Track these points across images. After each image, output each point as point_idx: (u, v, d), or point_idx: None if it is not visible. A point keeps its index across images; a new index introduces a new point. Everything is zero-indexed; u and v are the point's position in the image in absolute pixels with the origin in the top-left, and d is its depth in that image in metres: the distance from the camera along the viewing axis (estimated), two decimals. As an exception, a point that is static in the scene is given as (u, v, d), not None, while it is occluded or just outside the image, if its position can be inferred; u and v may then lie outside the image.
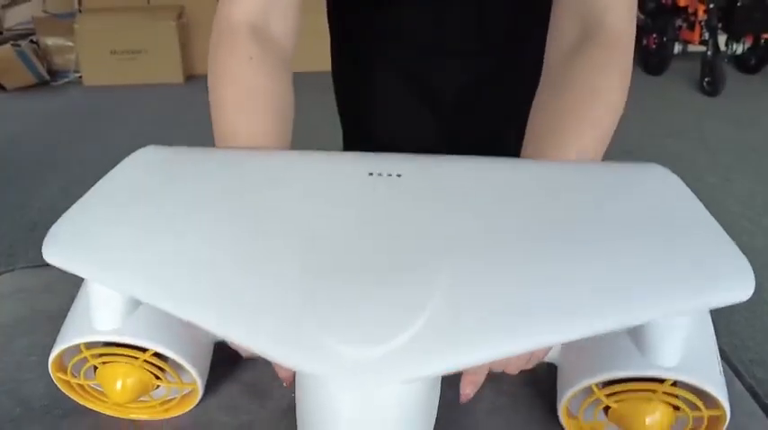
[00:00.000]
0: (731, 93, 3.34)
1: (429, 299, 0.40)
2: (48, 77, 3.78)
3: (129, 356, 0.48)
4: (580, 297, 0.40)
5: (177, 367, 0.50)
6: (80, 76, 3.81)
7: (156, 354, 0.48)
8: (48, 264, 0.44)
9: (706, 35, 3.36)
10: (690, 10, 3.49)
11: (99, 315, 0.47)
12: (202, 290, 0.41)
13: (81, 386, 0.51)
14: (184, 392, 0.51)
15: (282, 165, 0.56)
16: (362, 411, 0.39)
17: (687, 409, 0.45)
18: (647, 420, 0.45)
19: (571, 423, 0.49)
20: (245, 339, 0.39)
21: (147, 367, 0.48)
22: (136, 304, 0.48)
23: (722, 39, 3.43)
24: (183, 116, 3.11)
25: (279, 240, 0.45)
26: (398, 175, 0.53)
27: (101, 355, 0.48)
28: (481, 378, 0.49)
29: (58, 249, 0.45)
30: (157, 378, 0.49)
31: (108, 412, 0.52)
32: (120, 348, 0.48)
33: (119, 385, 0.49)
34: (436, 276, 0.42)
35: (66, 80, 3.83)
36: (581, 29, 0.61)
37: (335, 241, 0.45)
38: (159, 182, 0.53)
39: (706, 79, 3.36)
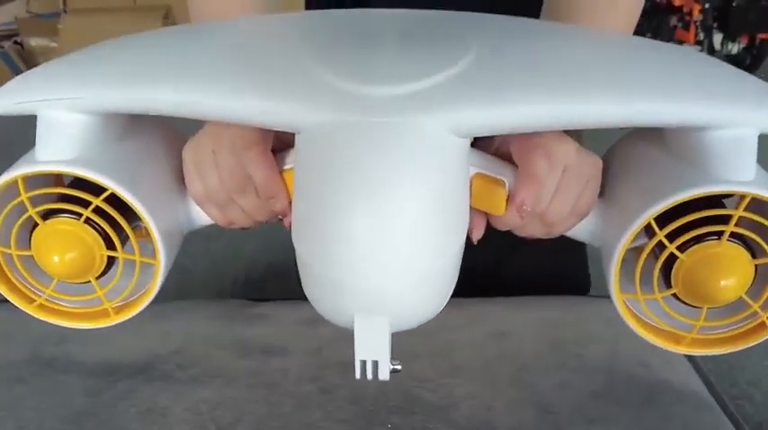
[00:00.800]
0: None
1: (458, 53, 0.37)
2: (32, 79, 3.71)
3: (79, 202, 0.38)
4: (618, 72, 0.38)
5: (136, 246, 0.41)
6: (65, 78, 3.74)
7: (116, 208, 0.39)
8: None
9: (701, 35, 3.33)
10: (685, 10, 3.46)
11: (49, 142, 0.38)
12: (179, 64, 0.38)
13: (9, 257, 0.41)
14: (137, 294, 0.42)
15: (279, 18, 0.51)
16: (388, 166, 0.33)
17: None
18: (722, 277, 0.37)
19: (625, 298, 0.41)
20: (232, 98, 0.35)
21: (98, 221, 0.38)
22: (101, 141, 0.40)
23: (717, 38, 3.41)
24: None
25: (278, 37, 0.43)
26: (412, 13, 0.49)
27: (43, 206, 0.39)
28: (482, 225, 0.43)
29: (11, 90, 0.39)
30: (109, 248, 0.39)
31: (33, 312, 0.42)
32: (71, 189, 0.38)
33: (58, 249, 0.38)
34: (460, 43, 0.39)
35: (51, 82, 3.76)
36: None
37: (347, 26, 0.44)
38: (145, 38, 0.46)
39: (701, 79, 3.32)
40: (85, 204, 0.39)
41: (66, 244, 0.39)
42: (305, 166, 0.36)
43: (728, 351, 0.41)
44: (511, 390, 0.65)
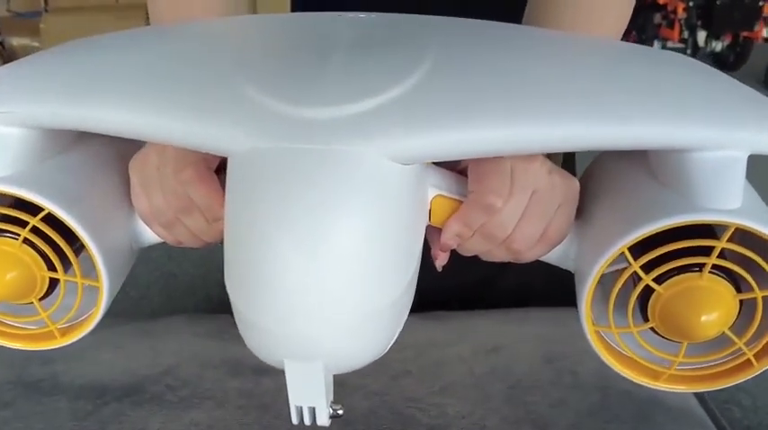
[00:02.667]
0: (711, 91, 3.32)
1: (407, 69, 0.33)
2: (13, 79, 3.67)
3: (17, 222, 0.36)
4: (590, 92, 0.34)
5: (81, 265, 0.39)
6: (47, 78, 3.71)
7: (55, 228, 0.37)
8: None
9: (685, 33, 3.35)
10: (669, 8, 3.48)
11: None
12: (106, 83, 0.35)
13: None
14: (84, 315, 0.40)
15: (236, 19, 0.49)
16: (323, 197, 0.30)
17: (754, 284, 0.34)
18: (702, 312, 0.33)
19: (599, 337, 0.38)
20: (157, 121, 0.32)
21: (37, 243, 0.37)
22: (39, 156, 0.38)
23: (701, 36, 3.42)
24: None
25: (215, 49, 0.39)
26: (373, 16, 0.46)
27: None
28: (452, 240, 0.40)
29: None
30: (50, 269, 0.38)
31: None
32: (7, 209, 0.37)
33: None
34: (416, 53, 0.35)
35: (33, 82, 3.72)
36: None
37: (294, 35, 0.40)
38: (88, 46, 0.44)
39: (686, 78, 3.34)
40: (24, 224, 0.37)
41: (4, 265, 0.37)
42: (232, 196, 0.34)
43: (710, 388, 0.38)
44: (504, 408, 0.64)
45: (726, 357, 0.37)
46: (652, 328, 0.37)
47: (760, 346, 0.36)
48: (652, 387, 0.39)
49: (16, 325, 0.42)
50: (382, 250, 0.32)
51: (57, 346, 0.41)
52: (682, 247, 0.34)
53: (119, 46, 0.43)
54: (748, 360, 0.37)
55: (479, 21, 0.44)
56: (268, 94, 0.32)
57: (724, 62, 3.64)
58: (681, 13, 3.40)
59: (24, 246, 0.38)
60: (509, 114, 0.32)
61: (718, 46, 3.53)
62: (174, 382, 0.67)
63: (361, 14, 0.45)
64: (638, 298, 0.36)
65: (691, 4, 3.34)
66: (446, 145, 0.32)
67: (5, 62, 3.00)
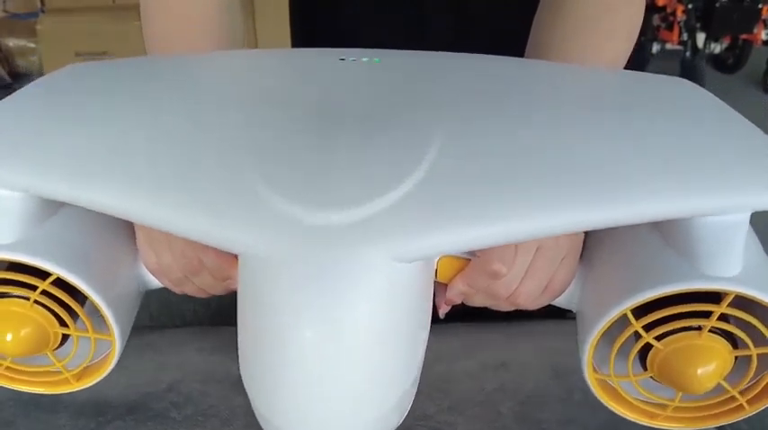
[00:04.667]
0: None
1: (417, 160, 0.32)
2: (10, 80, 3.65)
3: (25, 286, 0.37)
4: (600, 170, 0.33)
5: (90, 317, 0.39)
6: (44, 79, 3.69)
7: (64, 290, 0.37)
8: None
9: (684, 35, 3.34)
10: (668, 10, 3.47)
11: None
12: (114, 163, 0.34)
13: None
14: (97, 358, 0.41)
15: (231, 58, 0.48)
16: (329, 302, 0.30)
17: (750, 342, 0.35)
18: (699, 367, 0.35)
19: (598, 378, 0.39)
20: (166, 215, 0.31)
21: (47, 303, 0.37)
22: (42, 216, 0.37)
23: (700, 38, 3.42)
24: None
25: (222, 116, 0.37)
26: (374, 60, 0.45)
27: None
28: (458, 296, 0.41)
29: None
30: (62, 325, 0.38)
31: None
32: (16, 274, 0.37)
33: (9, 331, 0.37)
34: (425, 139, 0.34)
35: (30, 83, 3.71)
36: None
37: (296, 112, 0.37)
38: (85, 86, 0.44)
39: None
40: (34, 285, 0.37)
41: (17, 325, 0.38)
42: (243, 295, 0.33)
43: (704, 427, 0.40)
44: (515, 426, 0.63)
45: (720, 401, 0.39)
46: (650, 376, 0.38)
47: (753, 394, 0.38)
48: (647, 425, 0.40)
49: (29, 369, 0.43)
50: (396, 345, 0.32)
51: (73, 390, 0.42)
52: (682, 310, 0.35)
53: (118, 104, 0.41)
54: (741, 405, 0.38)
55: (483, 67, 0.44)
56: (278, 193, 0.31)
57: (723, 64, 3.64)
58: (680, 15, 3.39)
59: (35, 306, 0.38)
60: (516, 207, 0.31)
61: (716, 48, 3.53)
62: (178, 399, 0.66)
63: (364, 59, 0.44)
64: (638, 350, 0.37)
65: (690, 6, 3.33)
66: (453, 243, 0.31)
67: (2, 64, 2.98)
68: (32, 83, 0.45)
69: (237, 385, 0.68)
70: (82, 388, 0.42)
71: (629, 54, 0.52)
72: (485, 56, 0.48)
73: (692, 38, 3.31)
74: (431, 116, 0.37)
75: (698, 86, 0.46)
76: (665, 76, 0.48)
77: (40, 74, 3.68)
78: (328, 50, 0.48)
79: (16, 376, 0.42)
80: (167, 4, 0.54)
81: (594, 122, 0.38)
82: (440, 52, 0.48)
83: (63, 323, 0.39)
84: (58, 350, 0.41)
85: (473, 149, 0.34)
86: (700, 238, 0.34)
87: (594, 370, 0.39)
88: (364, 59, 0.45)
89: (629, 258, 0.38)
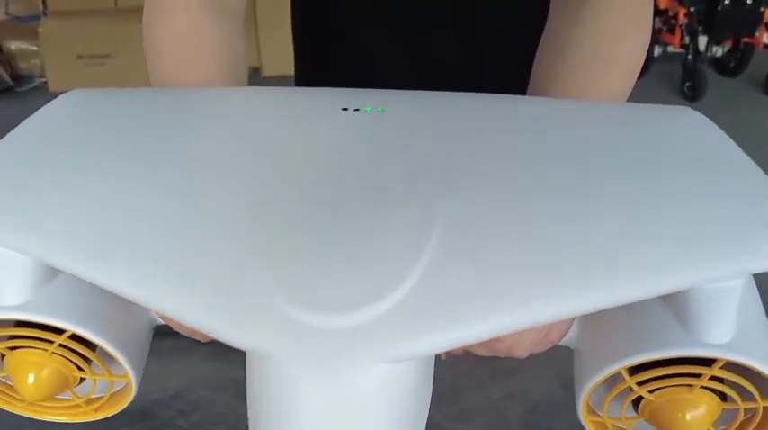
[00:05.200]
0: (712, 97, 3.31)
1: (415, 256, 0.32)
2: (12, 83, 3.65)
3: (41, 340, 0.38)
4: (598, 257, 0.33)
5: (105, 357, 0.40)
6: (46, 82, 3.69)
7: (77, 339, 0.38)
8: None
9: (686, 39, 3.34)
10: (670, 13, 3.47)
11: (1, 285, 0.37)
12: (123, 247, 0.34)
13: None
14: (115, 389, 0.42)
15: (231, 102, 0.48)
16: (330, 403, 0.31)
17: (738, 399, 0.36)
18: (688, 415, 0.36)
19: (593, 420, 0.41)
20: (172, 307, 0.31)
21: (64, 354, 0.39)
22: (51, 273, 0.38)
23: (702, 41, 3.42)
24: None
25: (224, 189, 0.37)
26: (378, 111, 0.45)
27: (9, 339, 0.38)
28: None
29: None
30: (79, 369, 0.40)
31: (21, 412, 0.43)
32: (31, 330, 0.38)
33: (31, 378, 0.39)
34: (424, 228, 0.34)
35: (32, 86, 3.71)
36: None
37: (296, 189, 0.37)
38: (86, 125, 0.44)
39: (687, 83, 3.33)
40: (50, 340, 0.39)
41: (37, 373, 0.39)
42: (251, 385, 0.34)
43: None
44: (522, 434, 0.63)
45: None
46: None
47: None
48: None
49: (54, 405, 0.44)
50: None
51: (93, 419, 0.44)
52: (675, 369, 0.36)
53: (119, 159, 0.40)
54: None
55: (485, 119, 0.43)
56: (281, 295, 0.31)
57: (724, 68, 3.64)
58: (682, 19, 3.38)
59: (53, 355, 0.39)
60: (515, 302, 0.31)
61: (718, 51, 3.53)
62: (185, 407, 0.66)
63: (367, 109, 0.44)
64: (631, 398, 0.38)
65: (692, 9, 3.32)
66: (450, 343, 0.31)
67: (4, 67, 2.98)
68: (33, 118, 0.45)
69: (244, 392, 0.68)
70: (103, 417, 0.43)
71: (633, 85, 0.52)
72: (487, 100, 0.47)
73: (694, 41, 3.30)
74: (431, 193, 0.37)
75: (701, 117, 0.46)
76: (670, 109, 0.47)
77: (42, 77, 3.68)
78: (330, 93, 0.48)
79: (40, 409, 0.44)
80: (170, 28, 0.53)
81: (594, 188, 0.38)
82: (443, 95, 0.48)
83: (80, 367, 0.40)
84: (78, 387, 0.42)
85: (471, 236, 0.34)
86: (694, 304, 0.35)
87: (589, 410, 0.40)
88: (367, 110, 0.44)
89: (625, 314, 0.38)
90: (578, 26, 0.52)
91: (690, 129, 0.44)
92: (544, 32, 0.56)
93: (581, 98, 0.50)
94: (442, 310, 0.30)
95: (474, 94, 0.49)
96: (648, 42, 0.53)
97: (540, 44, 0.55)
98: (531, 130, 0.43)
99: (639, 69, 0.52)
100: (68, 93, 0.48)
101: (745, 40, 3.44)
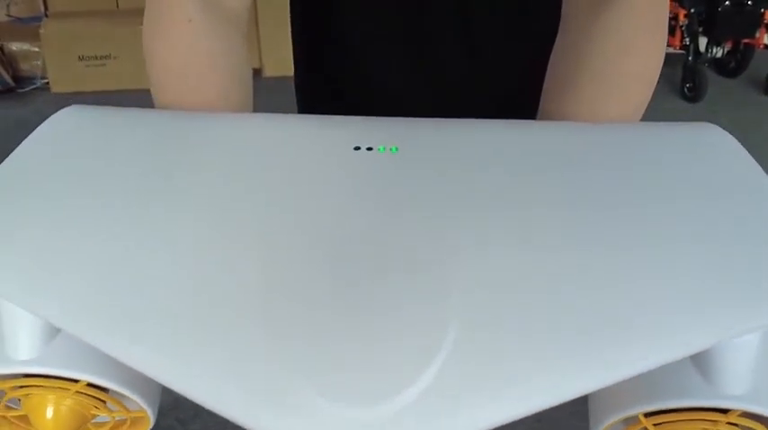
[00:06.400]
0: (712, 98, 3.31)
1: (440, 337, 0.31)
2: (13, 84, 3.64)
3: (57, 388, 0.39)
4: (620, 328, 0.32)
5: (121, 395, 0.41)
6: (47, 83, 3.68)
7: (91, 384, 0.39)
8: None
9: (687, 40, 3.33)
10: (670, 14, 3.46)
11: (12, 339, 0.38)
12: (130, 322, 0.33)
13: (4, 418, 0.42)
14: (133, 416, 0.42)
15: (236, 136, 0.45)
16: None
17: None
18: None
19: None
20: (190, 392, 0.30)
21: (82, 397, 0.39)
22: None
23: (702, 41, 3.41)
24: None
25: (233, 250, 0.36)
26: (392, 150, 0.43)
27: (21, 387, 0.39)
28: None
29: None
30: (97, 407, 0.40)
31: None
32: (45, 379, 0.38)
33: (49, 414, 0.39)
34: (447, 305, 0.33)
35: (34, 87, 3.70)
36: None
37: (310, 252, 0.36)
38: (85, 157, 0.43)
39: (687, 84, 3.32)
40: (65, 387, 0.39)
41: (55, 411, 0.39)
42: None
43: None
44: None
45: None
46: None
47: None
48: None
49: None
50: None
51: None
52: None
53: (118, 201, 0.39)
54: None
55: (504, 157, 0.42)
56: (304, 383, 0.31)
57: (725, 69, 3.63)
58: (682, 20, 3.37)
59: (70, 397, 0.39)
60: (540, 383, 0.31)
61: (718, 52, 3.52)
62: (184, 415, 0.66)
63: (380, 149, 0.43)
64: None
65: (692, 10, 3.31)
66: (478, 425, 0.30)
67: (5, 68, 2.97)
68: (29, 141, 0.44)
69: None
70: None
71: (650, 97, 0.51)
72: (501, 130, 0.46)
73: (694, 42, 3.29)
74: (451, 257, 0.36)
75: (724, 135, 0.45)
76: (692, 127, 0.46)
77: (43, 78, 3.67)
78: (340, 127, 0.46)
79: None
80: (172, 41, 0.52)
81: (615, 238, 0.37)
82: (454, 127, 0.47)
83: (97, 405, 0.41)
84: (96, 419, 0.42)
85: (489, 314, 0.33)
86: (713, 355, 0.35)
87: None
88: (380, 148, 0.43)
89: None
90: (591, 40, 0.51)
91: (712, 155, 0.43)
92: (556, 44, 0.55)
93: (595, 112, 0.49)
94: (466, 399, 0.30)
95: (487, 123, 0.47)
96: (664, 51, 0.52)
97: (552, 56, 0.55)
98: (547, 168, 0.42)
99: (656, 80, 0.51)
100: (64, 111, 0.48)
101: (746, 41, 3.44)
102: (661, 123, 0.47)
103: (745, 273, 0.35)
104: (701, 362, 0.36)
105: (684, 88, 3.34)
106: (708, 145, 0.45)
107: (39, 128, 0.46)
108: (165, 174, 0.42)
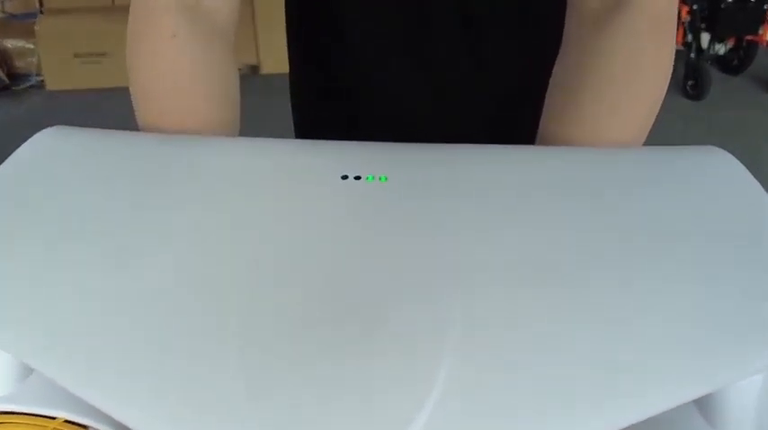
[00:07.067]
0: (715, 96, 3.30)
1: (432, 388, 0.30)
2: (8, 81, 3.63)
3: (33, 425, 0.37)
4: (624, 376, 0.31)
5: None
6: (42, 80, 3.68)
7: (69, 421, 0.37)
8: None
9: (689, 36, 3.32)
10: (672, 11, 3.46)
11: None
12: (101, 365, 0.31)
13: None
14: None
15: (219, 163, 0.43)
16: None
17: None
18: None
19: None
20: None
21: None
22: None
23: (705, 38, 3.40)
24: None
25: (215, 292, 0.34)
26: (380, 179, 0.41)
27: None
28: None
29: None
30: None
31: None
32: (21, 417, 0.37)
33: None
34: (441, 353, 0.31)
35: (29, 84, 3.69)
36: None
37: (297, 293, 0.34)
38: (62, 187, 0.41)
39: (689, 82, 3.31)
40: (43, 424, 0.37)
41: None
42: None
43: None
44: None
45: None
46: None
47: None
48: None
49: None
50: None
51: None
52: None
53: (100, 238, 0.38)
54: None
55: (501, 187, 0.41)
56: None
57: (727, 65, 3.62)
58: (684, 17, 3.36)
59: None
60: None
61: (721, 49, 3.50)
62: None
63: (368, 177, 0.41)
64: None
65: (694, 7, 3.30)
66: None
67: (0, 65, 2.95)
68: (7, 165, 0.43)
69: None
70: None
71: (656, 114, 0.49)
72: (498, 157, 0.44)
73: (697, 39, 3.29)
74: (444, 299, 0.34)
75: (730, 160, 0.44)
76: (696, 153, 0.45)
77: (39, 75, 3.66)
78: (327, 155, 0.43)
79: None
80: (155, 58, 0.50)
81: (617, 278, 0.36)
82: (448, 153, 0.44)
83: None
84: None
85: (485, 360, 0.32)
86: (716, 399, 0.34)
87: None
88: (369, 177, 0.41)
89: None
90: (594, 58, 0.49)
91: (718, 185, 0.42)
92: (557, 61, 0.53)
93: (596, 132, 0.47)
94: None
95: (481, 149, 0.45)
96: (671, 69, 0.50)
97: (553, 73, 0.53)
98: (546, 200, 0.40)
99: (661, 99, 0.49)
100: (44, 132, 0.46)
101: (749, 37, 3.43)
102: (665, 148, 0.45)
103: (748, 316, 0.34)
104: (704, 405, 0.35)
105: (686, 86, 3.32)
106: (714, 174, 0.43)
107: (18, 150, 0.44)
108: (143, 206, 0.40)
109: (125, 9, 0.56)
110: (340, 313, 0.33)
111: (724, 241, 0.38)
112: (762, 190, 0.42)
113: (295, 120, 0.78)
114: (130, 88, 0.51)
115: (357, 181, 0.41)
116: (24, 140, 0.44)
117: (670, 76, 0.50)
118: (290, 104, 0.78)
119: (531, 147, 0.47)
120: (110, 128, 0.48)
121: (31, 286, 0.35)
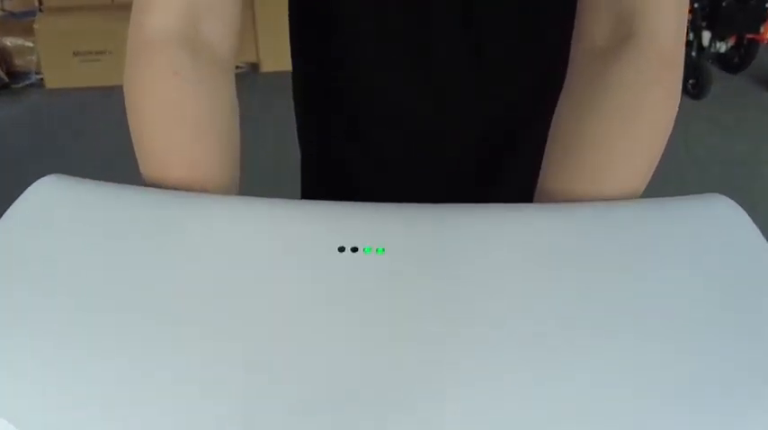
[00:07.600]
0: (716, 94, 3.29)
1: None
2: (7, 80, 3.63)
3: None
4: None
5: None
6: (42, 79, 3.67)
7: None
8: None
9: (690, 35, 3.31)
10: (673, 9, 3.45)
11: None
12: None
13: None
14: None
15: (214, 230, 0.43)
16: None
17: None
18: None
19: None
20: None
21: None
22: None
23: (705, 36, 3.39)
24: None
25: (203, 376, 0.33)
26: (378, 251, 0.40)
27: None
28: None
29: None
30: None
31: None
32: None
33: None
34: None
35: (28, 82, 3.69)
36: (616, 31, 0.49)
37: (288, 381, 0.33)
38: (56, 246, 0.41)
39: (690, 81, 3.30)
40: None
41: None
42: None
43: None
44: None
45: None
46: None
47: None
48: None
49: None
50: None
51: None
52: None
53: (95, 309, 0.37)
54: None
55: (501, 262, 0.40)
56: None
57: (728, 64, 3.61)
58: (685, 15, 3.37)
59: None
60: None
61: (722, 47, 3.50)
62: None
63: (365, 248, 0.40)
64: None
65: (695, 5, 3.30)
66: None
67: (-1, 63, 2.93)
68: (3, 221, 0.42)
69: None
70: None
71: (661, 152, 0.48)
72: (498, 221, 0.43)
73: (698, 37, 3.28)
74: (443, 383, 0.34)
75: (735, 210, 0.43)
76: (700, 203, 0.44)
77: (38, 73, 3.64)
78: (324, 222, 0.43)
79: None
80: (157, 97, 0.49)
81: (615, 343, 0.36)
82: (450, 215, 0.44)
83: None
84: None
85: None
86: None
87: None
88: (366, 249, 0.40)
89: None
90: (596, 98, 0.48)
91: (721, 237, 0.42)
92: (561, 97, 0.52)
93: (597, 180, 0.46)
94: None
95: (480, 211, 0.44)
96: (678, 101, 0.49)
97: (555, 114, 0.51)
98: (547, 265, 0.40)
99: (667, 136, 0.48)
100: (41, 182, 0.45)
101: (749, 36, 3.42)
102: (668, 200, 0.45)
103: (750, 376, 0.34)
104: None
105: (687, 84, 3.31)
106: (717, 225, 0.43)
107: (14, 205, 0.43)
108: (136, 270, 0.39)
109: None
110: (338, 399, 0.32)
111: (727, 302, 0.38)
112: (762, 238, 0.41)
113: (297, 120, 0.78)
114: (130, 124, 0.50)
115: (354, 253, 0.40)
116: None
117: (677, 108, 0.49)
118: (289, 103, 0.77)
119: (531, 205, 0.46)
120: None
121: (11, 351, 0.34)
